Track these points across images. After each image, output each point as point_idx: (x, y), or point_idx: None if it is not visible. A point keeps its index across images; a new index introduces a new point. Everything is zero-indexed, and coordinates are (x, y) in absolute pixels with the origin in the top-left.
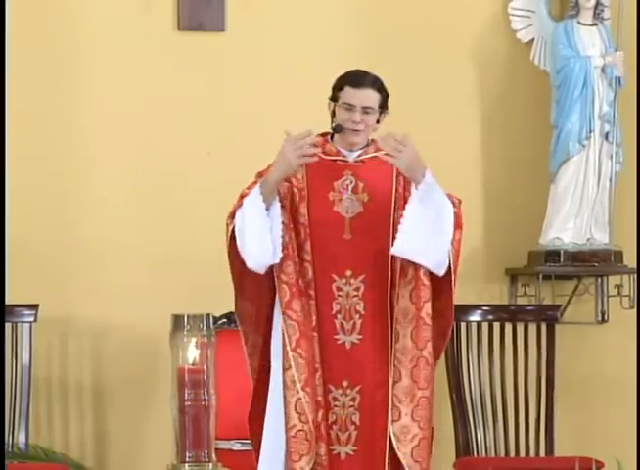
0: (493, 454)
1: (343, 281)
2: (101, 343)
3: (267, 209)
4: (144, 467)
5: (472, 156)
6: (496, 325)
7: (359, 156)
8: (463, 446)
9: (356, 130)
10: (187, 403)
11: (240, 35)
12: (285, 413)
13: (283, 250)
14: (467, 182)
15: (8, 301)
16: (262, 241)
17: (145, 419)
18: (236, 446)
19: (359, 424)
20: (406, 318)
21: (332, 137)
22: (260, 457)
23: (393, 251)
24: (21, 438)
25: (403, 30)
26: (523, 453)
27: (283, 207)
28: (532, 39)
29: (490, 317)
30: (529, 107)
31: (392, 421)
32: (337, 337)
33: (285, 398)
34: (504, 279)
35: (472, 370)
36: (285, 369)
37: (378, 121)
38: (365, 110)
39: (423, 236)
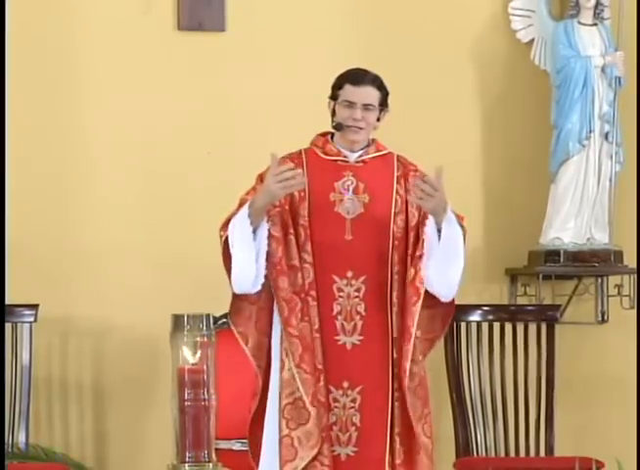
0: (493, 454)
1: (344, 282)
2: (101, 343)
3: (254, 231)
4: (144, 467)
5: (472, 156)
6: (496, 325)
7: (360, 156)
8: (463, 446)
9: (357, 128)
10: (187, 403)
11: (240, 35)
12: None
13: (276, 266)
14: (467, 182)
15: (8, 301)
16: (245, 270)
17: (145, 419)
18: (236, 446)
19: (360, 425)
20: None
21: (332, 137)
22: (261, 459)
23: (427, 286)
24: (21, 437)
25: (403, 30)
26: (523, 453)
27: (272, 218)
28: (532, 39)
29: (490, 317)
30: (529, 107)
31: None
32: (337, 338)
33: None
34: (504, 279)
35: (472, 370)
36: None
37: (378, 119)
38: (366, 107)
39: (450, 270)
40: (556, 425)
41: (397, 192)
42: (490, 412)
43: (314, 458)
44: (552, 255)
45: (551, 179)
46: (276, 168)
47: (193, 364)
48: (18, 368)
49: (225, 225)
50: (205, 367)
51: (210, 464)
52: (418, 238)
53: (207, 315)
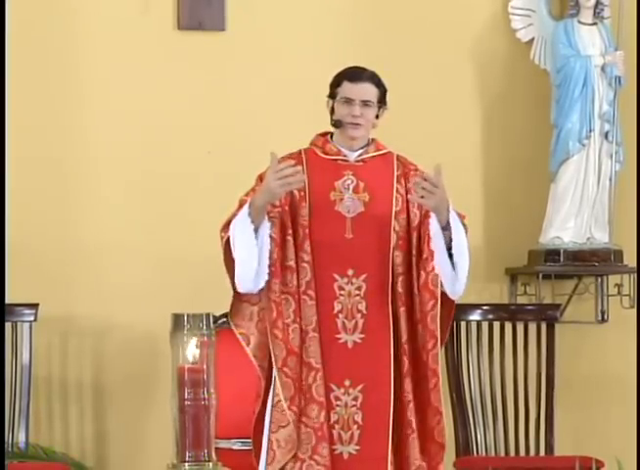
0: (493, 454)
1: (345, 280)
2: (101, 342)
3: (256, 230)
4: (144, 466)
5: (472, 155)
6: (496, 324)
7: (360, 155)
8: (463, 446)
9: (356, 124)
10: (187, 403)
11: (240, 35)
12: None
13: (270, 268)
14: (467, 182)
15: (8, 300)
16: (248, 269)
17: (145, 418)
18: (236, 445)
19: (362, 423)
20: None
21: (332, 137)
22: (261, 458)
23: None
24: (21, 437)
25: (403, 30)
26: (523, 453)
27: (271, 219)
28: (532, 38)
29: (490, 317)
30: (529, 106)
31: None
32: (338, 336)
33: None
34: (504, 278)
35: (472, 369)
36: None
37: (377, 117)
38: (364, 103)
39: (460, 268)
40: (556, 424)
41: (398, 191)
42: (490, 412)
43: (310, 457)
44: (552, 254)
45: (551, 179)
46: (276, 166)
47: (193, 364)
48: (18, 367)
49: (226, 227)
50: (204, 367)
51: (210, 464)
52: (421, 238)
53: (207, 315)
